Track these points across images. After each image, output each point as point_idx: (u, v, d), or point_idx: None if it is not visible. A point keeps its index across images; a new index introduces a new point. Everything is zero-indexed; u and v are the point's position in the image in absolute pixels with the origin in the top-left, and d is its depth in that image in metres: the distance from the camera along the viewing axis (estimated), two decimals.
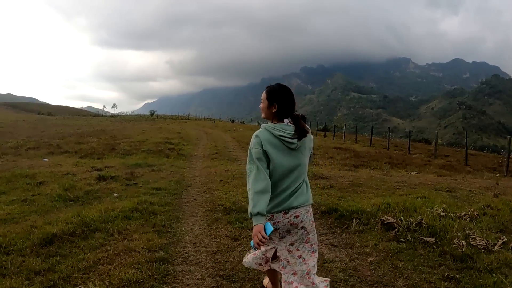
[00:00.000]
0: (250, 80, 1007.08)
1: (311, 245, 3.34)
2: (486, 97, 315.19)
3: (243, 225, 6.51)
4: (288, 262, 3.29)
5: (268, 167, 3.08)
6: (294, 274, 3.26)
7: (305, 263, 3.27)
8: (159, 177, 11.16)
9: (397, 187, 10.58)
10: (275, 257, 3.40)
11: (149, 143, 22.23)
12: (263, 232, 2.86)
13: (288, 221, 3.19)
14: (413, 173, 14.59)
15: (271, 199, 3.06)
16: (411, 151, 25.36)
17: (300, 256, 3.28)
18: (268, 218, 3.13)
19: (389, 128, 29.62)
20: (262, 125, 3.20)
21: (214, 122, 73.85)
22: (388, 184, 10.95)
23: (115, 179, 10.56)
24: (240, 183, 10.29)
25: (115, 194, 8.81)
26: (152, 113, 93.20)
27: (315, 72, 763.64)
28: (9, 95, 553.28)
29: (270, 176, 3.07)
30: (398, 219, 6.58)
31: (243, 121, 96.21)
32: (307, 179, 3.35)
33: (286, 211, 3.16)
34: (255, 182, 2.98)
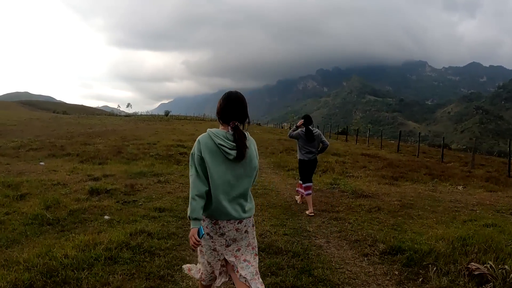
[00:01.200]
0: (266, 82, 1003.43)
1: (253, 248, 3.34)
2: (503, 102, 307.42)
3: (278, 279, 4.56)
4: (235, 266, 3.26)
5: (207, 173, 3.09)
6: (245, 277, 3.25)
7: (251, 265, 3.26)
8: (164, 192, 9.33)
9: (455, 209, 8.91)
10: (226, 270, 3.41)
11: (159, 146, 20.47)
12: (196, 236, 2.99)
13: (233, 227, 3.19)
14: (460, 187, 12.75)
15: (212, 206, 3.10)
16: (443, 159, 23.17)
17: (245, 260, 3.27)
18: (213, 222, 3.17)
19: (419, 133, 27.50)
20: (208, 129, 3.19)
21: None
22: (443, 205, 9.23)
23: (110, 194, 8.74)
24: (265, 203, 8.47)
25: (106, 217, 6.93)
26: (167, 113, 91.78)
27: (331, 74, 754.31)
28: (26, 93, 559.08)
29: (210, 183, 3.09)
30: (488, 266, 4.73)
31: (259, 123, 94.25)
32: (250, 193, 3.27)
33: (227, 220, 3.16)
34: (193, 187, 3.06)
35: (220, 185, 3.06)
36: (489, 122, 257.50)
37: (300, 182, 8.53)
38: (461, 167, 20.00)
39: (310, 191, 8.22)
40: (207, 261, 3.33)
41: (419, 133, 27.46)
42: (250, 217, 3.26)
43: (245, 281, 3.17)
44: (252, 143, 3.21)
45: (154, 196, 8.72)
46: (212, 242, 3.23)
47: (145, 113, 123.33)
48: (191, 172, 3.08)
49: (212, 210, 3.11)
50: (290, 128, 70.02)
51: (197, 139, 3.11)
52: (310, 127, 8.24)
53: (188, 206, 3.03)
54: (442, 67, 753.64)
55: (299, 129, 8.28)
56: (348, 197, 9.72)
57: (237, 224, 3.18)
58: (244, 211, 3.19)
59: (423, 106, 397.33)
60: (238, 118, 3.16)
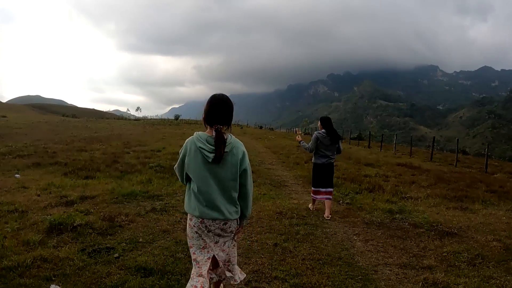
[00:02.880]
0: (277, 86, 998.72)
1: (235, 240, 3.54)
2: None
3: None
4: (222, 258, 3.45)
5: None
6: (229, 270, 3.58)
7: (227, 254, 3.48)
8: (158, 230, 6.38)
9: None
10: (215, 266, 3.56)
11: (164, 153, 17.67)
12: None
13: (218, 226, 3.29)
14: None
15: (197, 206, 3.25)
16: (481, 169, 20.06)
17: (224, 250, 3.43)
18: (200, 221, 3.27)
19: (457, 139, 24.39)
20: (195, 132, 3.28)
21: (241, 128, 68.76)
22: None
23: (77, 234, 5.84)
24: (312, 249, 5.57)
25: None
26: (176, 117, 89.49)
27: (342, 79, 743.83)
28: (38, 97, 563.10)
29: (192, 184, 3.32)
30: None
31: (272, 128, 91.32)
32: (234, 198, 3.30)
33: (213, 220, 3.26)
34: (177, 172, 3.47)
35: (202, 187, 3.21)
36: (502, 127, 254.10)
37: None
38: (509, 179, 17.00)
39: (330, 196, 7.95)
40: (196, 260, 3.37)
41: (457, 139, 24.39)
42: (235, 219, 3.38)
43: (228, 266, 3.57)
44: (235, 147, 3.24)
45: (141, 240, 5.79)
46: (203, 240, 3.34)
47: (154, 117, 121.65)
48: (176, 168, 3.43)
49: (198, 210, 3.23)
50: (301, 133, 67.77)
51: (185, 141, 3.30)
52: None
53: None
54: (454, 72, 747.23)
55: (314, 134, 7.99)
56: (428, 236, 6.71)
57: (222, 225, 3.30)
58: (229, 213, 3.28)
59: (434, 110, 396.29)
60: (221, 121, 3.23)
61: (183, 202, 3.60)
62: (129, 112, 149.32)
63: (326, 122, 7.93)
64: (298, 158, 18.14)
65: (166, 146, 21.04)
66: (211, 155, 3.12)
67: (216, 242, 3.35)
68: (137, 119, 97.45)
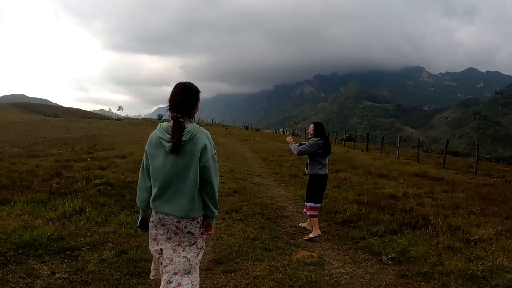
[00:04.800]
0: (264, 86, 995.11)
1: (197, 247, 3.26)
2: (501, 107, 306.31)
3: None
4: (171, 260, 3.18)
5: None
6: (175, 273, 3.17)
7: (189, 263, 3.19)
8: None
9: None
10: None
11: (127, 161, 14.36)
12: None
13: (172, 222, 3.11)
14: None
15: (153, 197, 3.13)
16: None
17: (185, 257, 3.19)
18: (155, 212, 3.16)
19: (477, 144, 21.21)
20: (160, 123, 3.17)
21: (226, 128, 65.07)
22: None
23: None
24: None
25: None
26: (160, 117, 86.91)
27: (328, 80, 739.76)
28: (22, 96, 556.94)
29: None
30: None
31: (258, 128, 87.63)
32: (193, 193, 3.06)
33: (166, 214, 3.11)
34: (139, 176, 3.24)
35: (158, 178, 3.07)
36: (487, 128, 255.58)
37: (310, 204, 6.76)
38: None
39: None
40: (151, 252, 3.34)
41: (477, 143, 21.30)
42: (193, 219, 3.15)
43: (171, 277, 3.15)
44: (196, 137, 3.03)
45: None
46: (155, 231, 3.23)
47: (137, 117, 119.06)
48: (142, 161, 3.23)
49: (152, 202, 3.13)
50: (290, 134, 64.92)
51: None
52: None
53: None
54: (439, 73, 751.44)
55: (314, 140, 6.78)
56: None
57: (176, 222, 3.11)
58: (185, 210, 3.08)
59: (420, 111, 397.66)
60: (179, 109, 3.05)
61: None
62: (111, 111, 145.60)
63: (321, 130, 6.95)
64: (293, 168, 14.74)
65: (136, 150, 17.69)
66: (168, 145, 2.98)
67: (169, 238, 3.19)
68: (119, 119, 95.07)
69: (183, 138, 2.94)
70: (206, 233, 3.26)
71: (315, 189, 6.84)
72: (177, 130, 2.93)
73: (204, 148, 3.00)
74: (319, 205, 6.88)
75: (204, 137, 3.04)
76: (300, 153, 6.85)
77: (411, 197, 10.06)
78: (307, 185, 7.01)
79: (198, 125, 3.07)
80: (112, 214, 7.06)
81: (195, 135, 2.99)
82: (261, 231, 6.73)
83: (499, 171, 20.87)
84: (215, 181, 3.09)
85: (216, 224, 6.56)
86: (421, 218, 7.57)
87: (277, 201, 9.19)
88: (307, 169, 7.04)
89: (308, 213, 6.82)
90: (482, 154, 43.33)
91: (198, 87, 3.14)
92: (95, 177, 10.22)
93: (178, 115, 2.96)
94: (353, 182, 11.73)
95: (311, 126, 7.01)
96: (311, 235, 6.58)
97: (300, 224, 7.31)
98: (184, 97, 3.03)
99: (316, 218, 6.75)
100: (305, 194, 7.09)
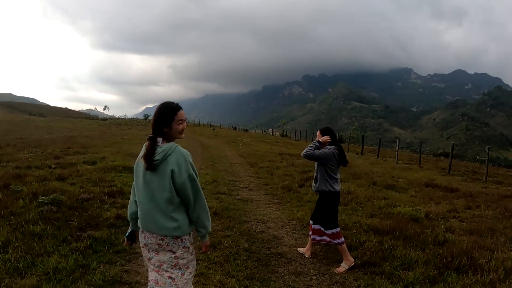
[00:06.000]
0: (252, 87, 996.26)
1: (180, 268, 3.09)
2: (488, 109, 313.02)
3: None
4: (156, 283, 3.07)
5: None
6: None
7: (175, 284, 3.06)
8: None
9: None
10: None
11: (96, 168, 12.62)
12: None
13: (155, 241, 3.05)
14: None
15: (138, 215, 3.15)
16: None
17: (169, 277, 3.06)
18: (141, 231, 3.14)
19: (488, 148, 19.55)
20: None
21: (214, 129, 62.96)
22: None
23: None
24: None
25: None
26: (146, 117, 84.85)
27: (317, 80, 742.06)
28: (9, 94, 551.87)
29: None
30: None
31: (246, 129, 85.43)
32: (169, 211, 2.98)
33: (150, 232, 3.07)
34: (131, 190, 3.30)
35: (140, 195, 3.08)
36: (475, 129, 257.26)
37: (331, 231, 5.57)
38: None
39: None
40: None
41: (488, 148, 19.69)
42: (176, 237, 3.07)
43: None
44: (170, 155, 2.95)
45: None
46: (142, 250, 3.21)
47: (122, 117, 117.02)
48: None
49: (140, 220, 3.12)
50: (280, 135, 63.11)
51: None
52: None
53: None
54: (428, 74, 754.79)
55: (328, 148, 5.66)
56: None
57: (159, 240, 3.06)
58: (165, 228, 3.01)
59: (408, 112, 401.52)
60: (153, 129, 3.08)
61: None
62: (96, 110, 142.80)
63: (332, 136, 5.87)
64: (286, 178, 12.83)
65: (110, 155, 15.90)
66: (142, 163, 3.00)
67: (150, 259, 3.12)
68: (105, 119, 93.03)
69: (156, 157, 2.93)
70: (200, 251, 3.33)
71: (331, 210, 5.72)
72: (150, 149, 2.94)
73: (178, 168, 2.94)
74: (338, 228, 5.73)
75: (179, 157, 2.97)
76: (313, 157, 5.62)
77: (436, 218, 8.24)
78: (318, 205, 5.86)
79: (176, 145, 3.01)
80: (44, 253, 5.13)
81: (169, 154, 2.95)
82: (248, 285, 4.81)
83: (506, 177, 19.27)
84: (199, 201, 3.03)
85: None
86: (463, 255, 5.58)
87: (269, 227, 7.25)
88: (315, 183, 5.81)
89: (334, 242, 5.64)
90: (478, 157, 41.94)
91: (177, 104, 3.08)
92: (45, 192, 8.27)
93: (151, 135, 3.02)
94: (360, 197, 9.82)
95: (319, 133, 5.94)
96: (346, 267, 5.40)
97: (299, 249, 6.15)
98: (156, 117, 3.03)
99: (344, 244, 5.62)
100: (313, 214, 5.97)
